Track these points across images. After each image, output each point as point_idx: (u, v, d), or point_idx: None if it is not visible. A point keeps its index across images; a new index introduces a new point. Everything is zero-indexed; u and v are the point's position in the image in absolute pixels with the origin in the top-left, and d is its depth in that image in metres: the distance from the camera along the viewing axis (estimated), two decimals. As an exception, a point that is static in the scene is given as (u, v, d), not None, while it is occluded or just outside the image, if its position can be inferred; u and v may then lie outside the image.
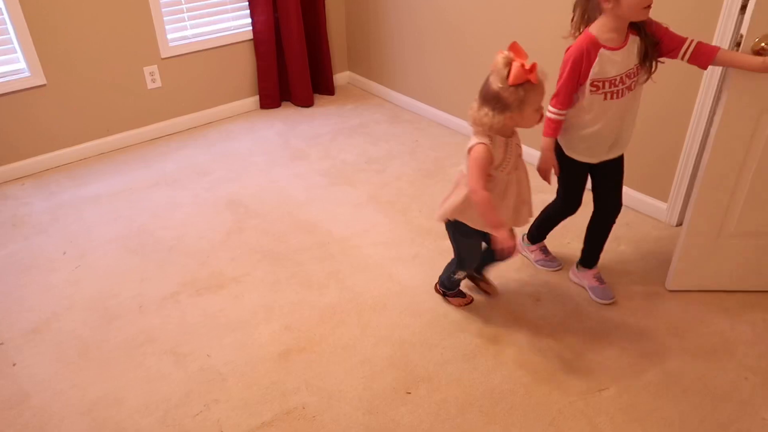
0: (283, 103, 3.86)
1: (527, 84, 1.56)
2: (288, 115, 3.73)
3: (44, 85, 3.01)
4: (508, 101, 1.58)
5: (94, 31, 3.06)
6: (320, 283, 2.33)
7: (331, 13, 3.84)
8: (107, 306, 2.22)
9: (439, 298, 2.24)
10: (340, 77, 4.12)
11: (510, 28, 2.94)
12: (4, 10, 2.78)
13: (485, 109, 1.61)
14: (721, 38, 2.18)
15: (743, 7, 2.14)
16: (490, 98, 1.60)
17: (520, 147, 1.78)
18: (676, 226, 2.61)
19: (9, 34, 2.86)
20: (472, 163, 1.68)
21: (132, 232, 2.65)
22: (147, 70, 3.31)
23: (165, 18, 3.28)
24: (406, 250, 2.51)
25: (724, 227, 2.08)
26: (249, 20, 3.56)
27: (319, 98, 3.92)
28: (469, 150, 1.69)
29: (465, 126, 3.41)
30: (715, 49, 1.72)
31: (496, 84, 1.58)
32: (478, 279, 2.25)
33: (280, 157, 3.26)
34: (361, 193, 2.93)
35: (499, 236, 1.68)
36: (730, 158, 1.95)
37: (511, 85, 1.55)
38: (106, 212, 2.79)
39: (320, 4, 3.64)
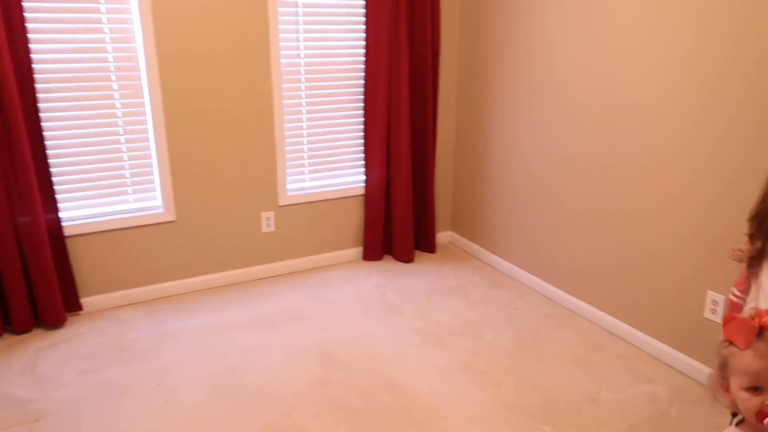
0: (385, 257, 3.96)
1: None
2: (388, 269, 3.80)
3: (173, 222, 3.31)
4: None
5: (224, 175, 3.38)
6: (402, 454, 2.19)
7: (440, 174, 4.02)
8: (187, 448, 2.20)
9: (531, 493, 2.00)
10: (443, 236, 4.20)
11: (611, 197, 2.91)
12: (154, 155, 3.18)
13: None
14: None
15: None
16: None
17: None
18: None
19: (153, 174, 3.23)
20: None
21: (223, 371, 2.68)
22: (264, 215, 3.56)
23: (288, 170, 3.59)
24: (498, 430, 2.32)
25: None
26: (363, 177, 3.80)
27: (419, 255, 3.99)
28: None
29: (566, 298, 3.29)
30: None
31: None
32: None
33: (376, 310, 3.27)
34: (454, 358, 2.82)
35: None
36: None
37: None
38: (204, 347, 2.86)
39: (430, 166, 3.84)
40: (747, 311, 1.28)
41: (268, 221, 3.59)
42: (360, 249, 3.93)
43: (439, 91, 3.83)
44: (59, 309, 2.97)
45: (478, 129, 3.83)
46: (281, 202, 3.60)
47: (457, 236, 4.19)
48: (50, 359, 2.71)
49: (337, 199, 3.76)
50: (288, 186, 3.62)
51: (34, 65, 2.78)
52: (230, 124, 3.33)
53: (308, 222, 3.72)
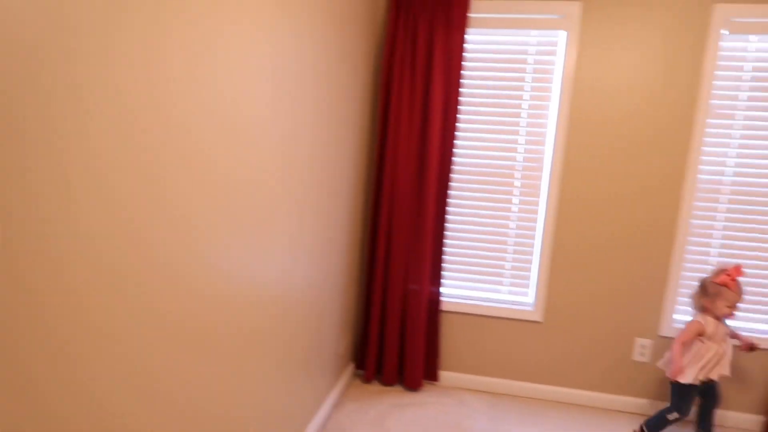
0: (795, 441, 2.99)
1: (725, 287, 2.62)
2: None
3: (539, 323, 3.24)
4: (708, 290, 2.72)
5: (601, 289, 3.15)
6: None
7: None
8: None
9: None
10: None
11: None
12: (536, 254, 3.21)
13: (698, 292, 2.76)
14: None
15: None
16: (701, 285, 2.78)
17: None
18: None
19: (530, 272, 3.25)
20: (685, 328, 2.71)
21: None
22: (639, 341, 3.16)
23: (679, 299, 3.10)
24: None
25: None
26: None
27: None
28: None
29: None
30: None
31: (708, 278, 2.74)
32: None
33: None
34: None
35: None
36: None
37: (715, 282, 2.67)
38: (532, 466, 2.67)
39: None
40: None
41: (642, 350, 3.16)
42: (760, 419, 3.07)
43: None
44: (420, 374, 3.24)
45: None
46: (663, 332, 3.12)
47: None
48: (397, 418, 2.96)
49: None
50: (675, 316, 3.12)
51: (455, 158, 3.19)
52: (620, 236, 3.10)
53: (693, 365, 3.12)
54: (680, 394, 2.79)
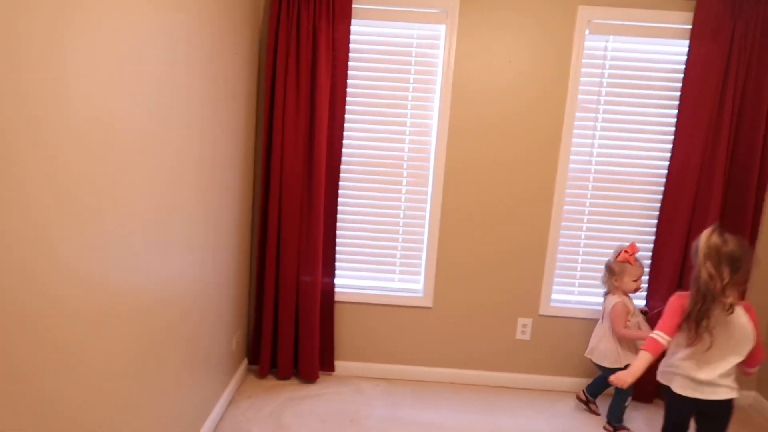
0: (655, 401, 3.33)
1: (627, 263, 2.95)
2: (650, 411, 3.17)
3: (429, 308, 3.36)
4: (614, 270, 2.99)
5: (487, 273, 3.32)
6: None
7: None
8: None
9: None
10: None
11: None
12: (425, 242, 3.32)
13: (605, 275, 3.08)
14: None
15: None
16: (607, 268, 3.07)
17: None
18: None
19: (420, 260, 3.36)
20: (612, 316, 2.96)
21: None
22: (521, 321, 3.36)
23: (555, 279, 3.35)
24: None
25: None
26: (643, 303, 3.31)
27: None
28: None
29: None
30: None
31: (611, 260, 3.04)
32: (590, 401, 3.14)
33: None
34: None
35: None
36: None
37: (617, 261, 2.98)
38: (427, 445, 2.76)
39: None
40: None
41: (524, 328, 3.38)
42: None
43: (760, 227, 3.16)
44: (315, 365, 3.23)
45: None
46: (542, 312, 3.35)
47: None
48: (294, 411, 2.94)
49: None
50: (553, 296, 3.36)
51: (343, 149, 3.21)
52: (503, 224, 3.28)
53: (571, 339, 3.37)
54: None
